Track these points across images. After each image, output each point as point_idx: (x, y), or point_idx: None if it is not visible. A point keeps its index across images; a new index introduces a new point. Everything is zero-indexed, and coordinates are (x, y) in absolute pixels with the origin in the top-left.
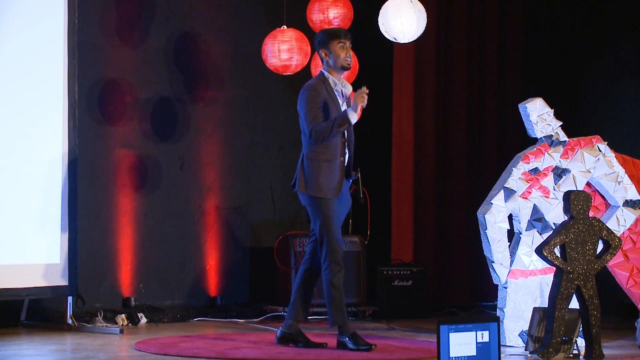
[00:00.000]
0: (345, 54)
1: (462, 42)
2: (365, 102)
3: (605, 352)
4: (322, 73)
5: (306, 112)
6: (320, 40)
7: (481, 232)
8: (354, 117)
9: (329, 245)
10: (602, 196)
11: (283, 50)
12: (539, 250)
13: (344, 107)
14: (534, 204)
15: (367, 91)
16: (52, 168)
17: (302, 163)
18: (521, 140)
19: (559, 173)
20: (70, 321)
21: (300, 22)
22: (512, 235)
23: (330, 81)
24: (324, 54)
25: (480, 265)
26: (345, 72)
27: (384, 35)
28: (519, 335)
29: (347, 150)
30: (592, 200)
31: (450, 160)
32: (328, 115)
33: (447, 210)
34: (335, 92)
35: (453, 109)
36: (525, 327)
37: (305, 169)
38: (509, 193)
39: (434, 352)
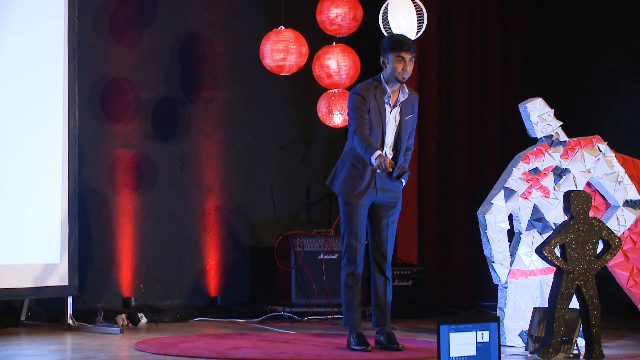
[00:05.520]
0: (402, 68)
1: (464, 42)
2: (382, 169)
3: (605, 352)
4: (378, 77)
5: (353, 115)
6: (383, 46)
7: (481, 232)
8: (372, 163)
9: (346, 245)
10: (602, 196)
11: (277, 50)
12: (539, 250)
13: (390, 116)
14: (534, 204)
15: (389, 169)
16: (52, 168)
17: (339, 160)
18: (522, 140)
19: (559, 173)
20: (70, 321)
21: (300, 23)
22: (512, 235)
23: (382, 88)
24: (382, 61)
25: (480, 265)
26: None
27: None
28: (519, 335)
29: (387, 153)
30: (592, 200)
31: (453, 160)
32: (370, 119)
33: (450, 210)
34: (385, 100)
35: (455, 110)
36: (525, 327)
37: (338, 166)
38: (509, 193)
39: (434, 352)
